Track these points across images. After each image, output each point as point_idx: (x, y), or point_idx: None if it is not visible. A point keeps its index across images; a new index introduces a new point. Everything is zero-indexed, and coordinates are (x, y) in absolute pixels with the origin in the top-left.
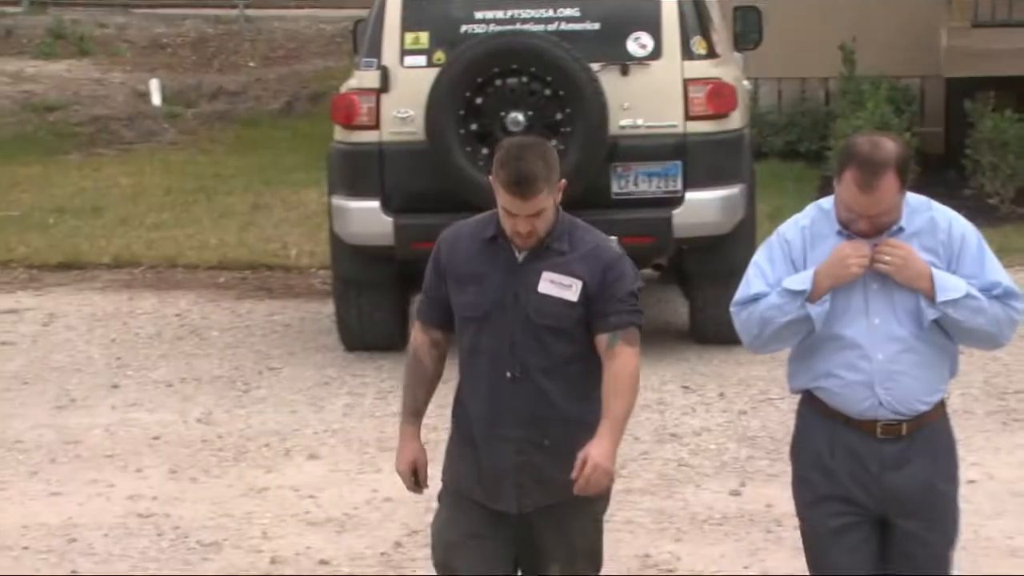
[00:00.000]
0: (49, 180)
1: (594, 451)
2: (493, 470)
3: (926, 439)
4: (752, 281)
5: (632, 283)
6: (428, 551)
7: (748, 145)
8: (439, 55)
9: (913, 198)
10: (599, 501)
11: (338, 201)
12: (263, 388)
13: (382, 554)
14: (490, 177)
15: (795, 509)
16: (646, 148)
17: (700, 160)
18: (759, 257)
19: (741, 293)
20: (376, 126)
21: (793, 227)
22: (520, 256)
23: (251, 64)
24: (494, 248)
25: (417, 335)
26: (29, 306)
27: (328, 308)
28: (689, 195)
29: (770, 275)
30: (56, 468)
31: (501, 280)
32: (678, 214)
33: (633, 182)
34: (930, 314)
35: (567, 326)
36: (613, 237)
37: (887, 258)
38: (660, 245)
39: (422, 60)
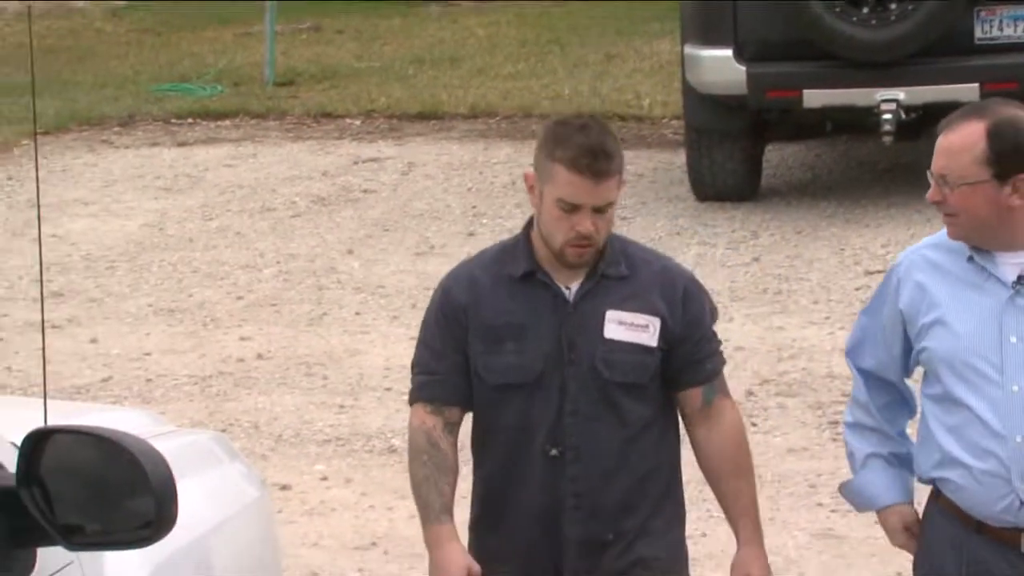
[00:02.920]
0: (408, 31)
1: (756, 571)
2: None
3: None
4: (853, 343)
5: (713, 313)
6: (783, 399)
7: None
8: None
9: None
10: None
11: (690, 50)
12: None
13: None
14: (527, 172)
15: None
16: None
17: None
18: (868, 303)
19: (847, 344)
20: None
21: (912, 255)
22: (571, 293)
23: None
24: (532, 287)
25: (425, 419)
26: (390, 155)
27: (680, 158)
28: None
29: (875, 337)
30: (416, 313)
31: (550, 328)
32: None
33: (998, 26)
34: None
35: (646, 380)
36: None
37: None
38: None
39: None
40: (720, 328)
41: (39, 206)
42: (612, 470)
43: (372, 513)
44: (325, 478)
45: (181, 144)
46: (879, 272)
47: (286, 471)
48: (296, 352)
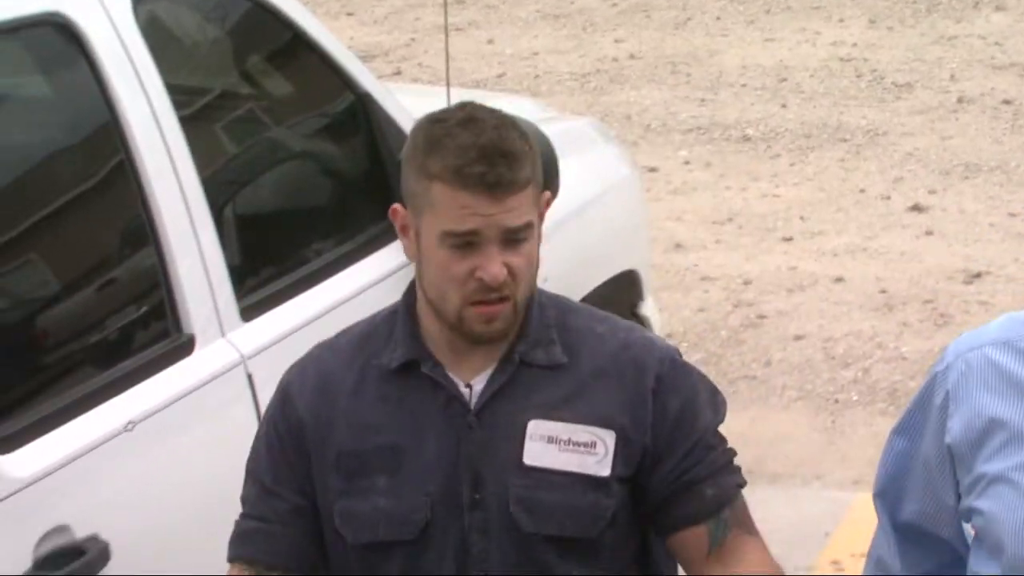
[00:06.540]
0: None
1: None
2: None
3: None
4: (884, 481)
5: (716, 406)
6: None
7: None
8: None
9: None
10: None
11: None
12: None
13: None
14: (393, 207)
15: None
16: None
17: None
18: (901, 418)
19: (876, 481)
20: None
21: (969, 356)
22: (472, 393)
23: None
24: (414, 386)
25: None
26: None
27: None
28: None
29: (914, 473)
30: (770, 18)
31: (440, 452)
32: None
33: None
34: None
35: (594, 533)
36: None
37: None
38: None
39: None
40: None
41: None
42: None
43: (728, 192)
44: (688, 162)
45: None
46: None
47: (653, 156)
48: (663, 52)
